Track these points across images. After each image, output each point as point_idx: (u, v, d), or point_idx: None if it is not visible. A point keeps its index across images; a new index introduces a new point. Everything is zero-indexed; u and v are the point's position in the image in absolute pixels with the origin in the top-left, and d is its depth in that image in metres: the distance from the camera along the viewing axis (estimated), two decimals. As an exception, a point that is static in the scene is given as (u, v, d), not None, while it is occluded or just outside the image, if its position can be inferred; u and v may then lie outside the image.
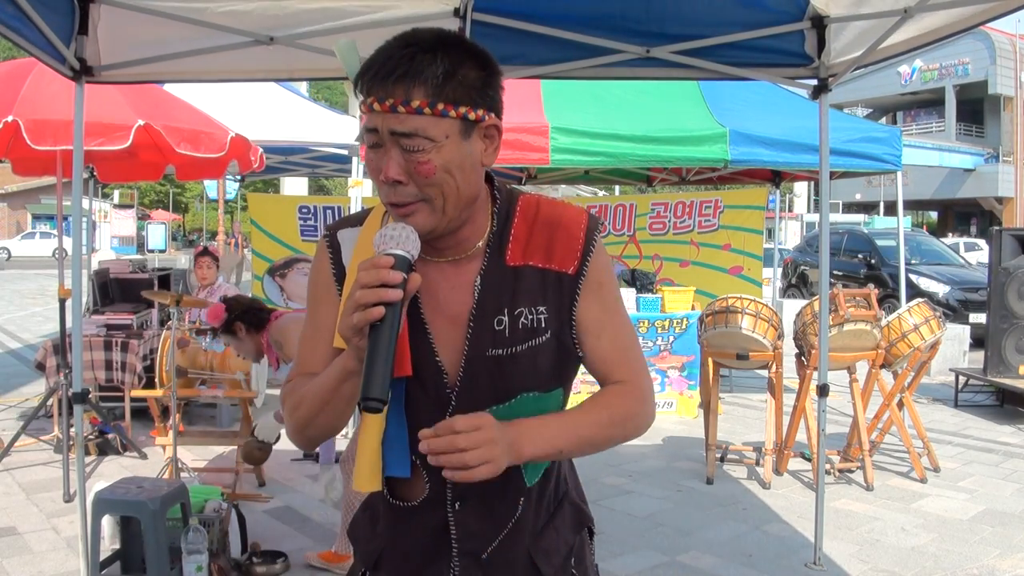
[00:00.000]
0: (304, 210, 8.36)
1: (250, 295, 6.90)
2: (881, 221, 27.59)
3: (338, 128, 7.26)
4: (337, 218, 8.16)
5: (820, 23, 3.63)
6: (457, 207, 1.21)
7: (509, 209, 1.31)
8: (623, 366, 1.34)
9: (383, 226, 1.22)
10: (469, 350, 1.26)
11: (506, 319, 1.26)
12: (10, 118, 4.33)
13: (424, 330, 1.26)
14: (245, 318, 3.85)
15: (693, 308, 7.12)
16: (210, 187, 27.01)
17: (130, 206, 38.14)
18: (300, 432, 1.29)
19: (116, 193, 40.85)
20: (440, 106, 1.15)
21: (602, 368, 1.34)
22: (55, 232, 27.34)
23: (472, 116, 1.18)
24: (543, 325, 1.28)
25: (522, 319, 1.27)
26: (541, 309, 1.28)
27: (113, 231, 33.44)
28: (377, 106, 1.15)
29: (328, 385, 1.22)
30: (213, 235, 33.31)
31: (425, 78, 1.14)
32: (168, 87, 5.74)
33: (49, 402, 5.93)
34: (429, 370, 1.26)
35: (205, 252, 6.61)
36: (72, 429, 4.30)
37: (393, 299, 1.09)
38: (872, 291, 5.26)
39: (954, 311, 11.34)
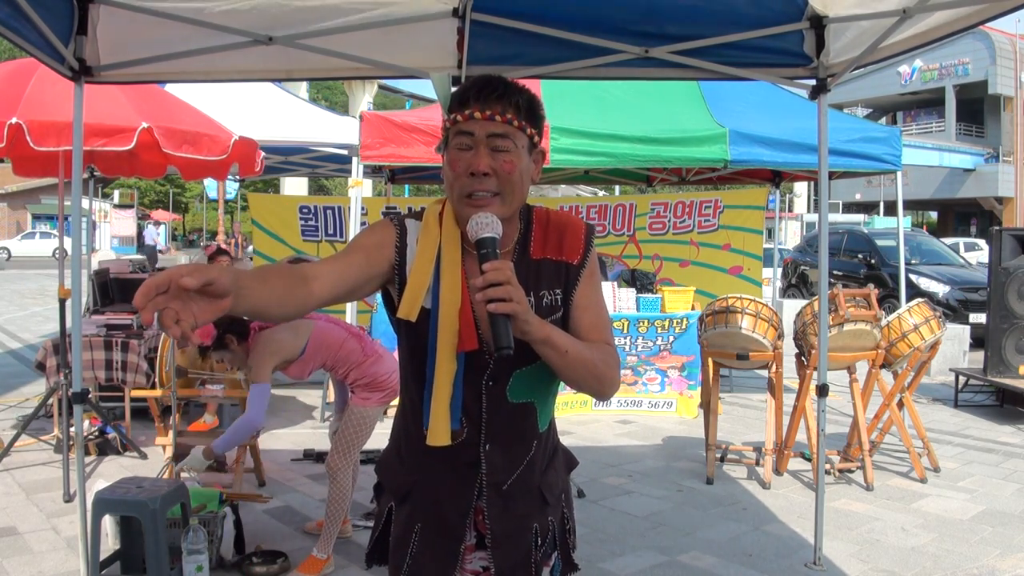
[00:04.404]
0: (305, 210, 8.37)
1: None
2: (881, 221, 27.59)
3: (338, 128, 7.26)
4: (337, 218, 8.27)
5: (819, 23, 3.63)
6: (515, 204, 1.58)
7: (528, 216, 1.68)
8: (604, 334, 1.66)
9: (471, 218, 1.51)
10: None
11: (532, 299, 1.58)
12: (13, 120, 4.33)
13: (472, 311, 1.57)
14: (233, 329, 3.96)
15: (693, 308, 7.12)
16: (210, 187, 27.06)
17: (130, 206, 38.19)
18: (254, 277, 1.40)
19: (116, 193, 40.89)
20: (523, 123, 1.54)
21: (588, 334, 1.64)
22: (55, 232, 27.32)
23: (535, 139, 1.59)
24: (558, 303, 1.64)
25: (545, 299, 1.62)
26: (557, 291, 1.64)
27: (113, 231, 33.47)
28: (478, 114, 1.51)
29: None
30: (213, 235, 33.34)
31: (515, 101, 1.54)
32: (168, 87, 5.74)
33: (49, 402, 5.93)
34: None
35: (221, 252, 6.61)
36: (72, 429, 4.30)
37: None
38: (872, 291, 5.26)
39: (954, 311, 11.35)
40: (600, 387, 1.62)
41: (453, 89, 1.58)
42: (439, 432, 1.58)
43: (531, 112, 1.57)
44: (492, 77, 1.58)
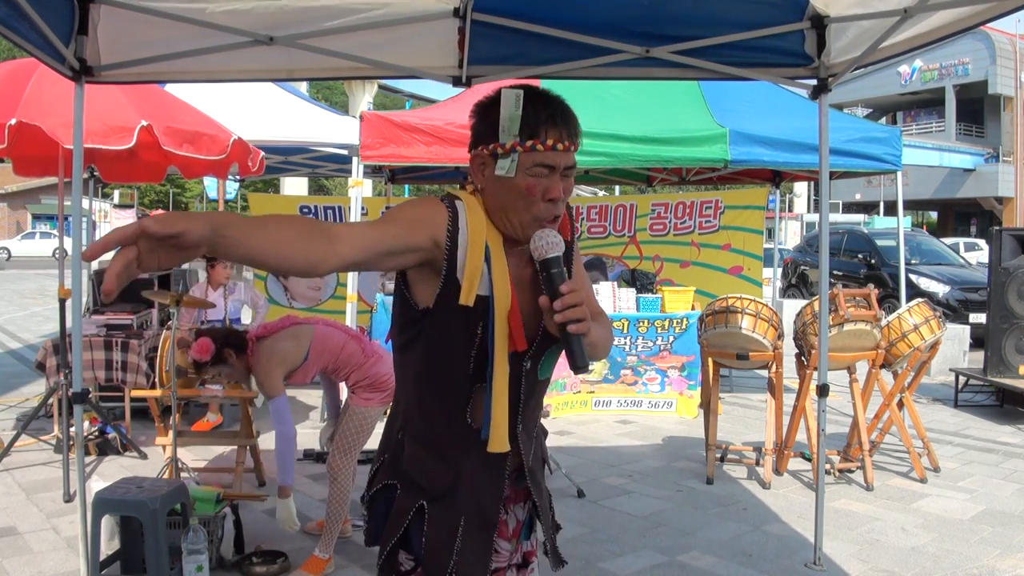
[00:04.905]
0: (305, 210, 8.38)
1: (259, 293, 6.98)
2: (881, 221, 27.60)
3: (338, 128, 7.25)
4: (338, 218, 8.27)
5: (820, 23, 3.63)
6: None
7: None
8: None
9: (536, 233, 1.57)
10: (539, 302, 1.58)
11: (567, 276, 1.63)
12: (13, 120, 4.33)
13: (515, 302, 1.62)
14: (230, 342, 3.91)
15: (693, 308, 7.12)
16: (210, 187, 26.99)
17: (130, 206, 38.10)
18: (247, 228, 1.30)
19: (116, 193, 40.84)
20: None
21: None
22: (55, 232, 27.24)
23: None
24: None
25: None
26: (565, 268, 1.65)
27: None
28: (560, 147, 1.55)
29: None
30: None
31: (579, 128, 1.61)
32: (168, 88, 5.74)
33: (49, 402, 5.93)
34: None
35: None
36: (72, 429, 4.30)
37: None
38: (872, 291, 5.26)
39: (954, 311, 11.35)
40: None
41: (520, 108, 1.54)
42: (500, 438, 1.60)
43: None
44: (560, 101, 1.59)
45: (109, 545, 3.69)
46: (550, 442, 1.85)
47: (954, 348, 8.86)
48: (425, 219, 1.57)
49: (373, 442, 3.95)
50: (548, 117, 1.56)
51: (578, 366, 1.49)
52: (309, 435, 5.75)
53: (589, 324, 1.50)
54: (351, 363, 3.91)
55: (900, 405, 5.58)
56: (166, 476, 4.46)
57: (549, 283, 1.51)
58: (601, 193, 15.84)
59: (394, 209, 1.62)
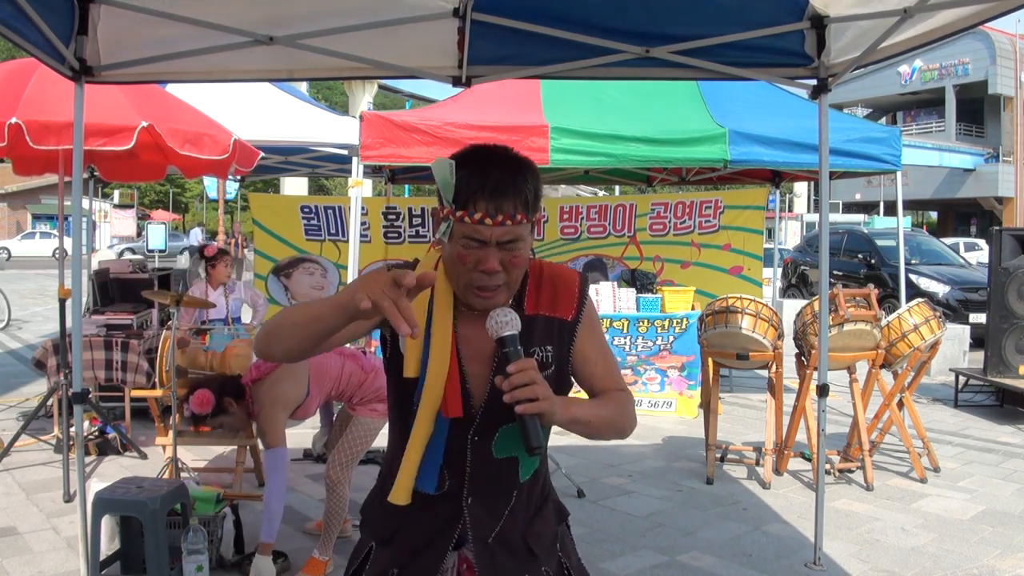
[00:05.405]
0: (307, 210, 8.37)
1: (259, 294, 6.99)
2: (881, 221, 27.58)
3: (338, 128, 7.25)
4: (339, 218, 8.26)
5: (820, 23, 3.63)
6: (517, 286, 1.58)
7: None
8: (615, 381, 1.71)
9: (491, 312, 1.50)
10: (494, 381, 1.52)
11: (522, 356, 1.53)
12: (13, 120, 4.33)
13: (461, 369, 1.59)
14: (228, 390, 3.84)
15: (693, 308, 7.13)
16: (210, 187, 27.02)
17: (130, 206, 38.13)
18: (268, 335, 1.53)
19: (116, 193, 40.87)
20: (529, 217, 1.51)
21: (599, 384, 1.69)
22: (55, 232, 27.28)
23: (537, 217, 1.57)
24: (549, 360, 1.63)
25: (536, 355, 1.60)
26: (548, 348, 1.63)
27: (113, 231, 33.43)
28: (489, 221, 1.46)
29: (330, 307, 1.43)
30: (213, 235, 33.31)
31: (524, 198, 1.49)
32: (168, 88, 5.74)
33: (49, 402, 5.93)
34: (462, 398, 1.59)
35: (223, 252, 6.56)
36: (72, 429, 4.30)
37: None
38: (872, 291, 5.26)
39: (954, 311, 11.35)
40: (621, 435, 1.68)
41: (453, 177, 1.48)
42: (401, 492, 1.58)
43: (536, 198, 1.53)
44: (500, 173, 1.49)
45: (109, 545, 3.70)
46: (550, 441, 1.80)
47: (954, 348, 8.86)
48: None
49: (376, 443, 3.97)
50: (478, 190, 1.46)
51: (531, 446, 1.43)
52: (309, 435, 5.74)
53: (544, 404, 1.41)
54: (353, 383, 3.86)
55: (900, 405, 5.58)
56: (166, 476, 4.46)
57: (503, 362, 1.47)
58: (601, 193, 15.85)
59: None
